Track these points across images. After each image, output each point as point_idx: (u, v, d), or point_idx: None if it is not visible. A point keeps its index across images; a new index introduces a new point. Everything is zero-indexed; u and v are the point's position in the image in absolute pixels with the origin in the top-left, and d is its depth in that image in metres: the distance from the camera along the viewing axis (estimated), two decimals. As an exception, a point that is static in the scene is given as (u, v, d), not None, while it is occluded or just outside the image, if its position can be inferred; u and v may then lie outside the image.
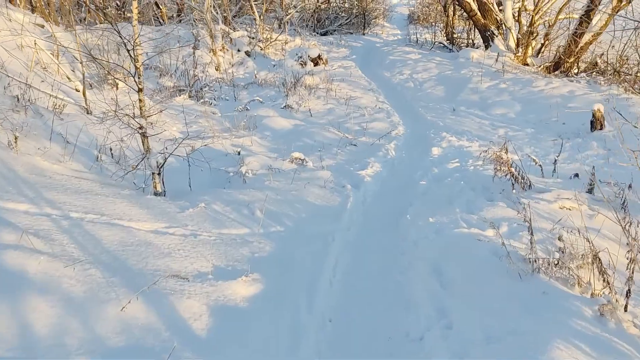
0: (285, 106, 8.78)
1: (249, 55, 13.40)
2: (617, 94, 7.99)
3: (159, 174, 4.33)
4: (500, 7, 11.41)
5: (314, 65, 12.16)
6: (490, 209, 4.20)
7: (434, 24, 15.57)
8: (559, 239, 3.54)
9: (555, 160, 5.37)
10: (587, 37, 10.22)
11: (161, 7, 18.02)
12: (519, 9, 11.24)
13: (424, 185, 5.21)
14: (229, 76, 11.64)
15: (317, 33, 17.23)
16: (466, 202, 4.44)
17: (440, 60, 11.32)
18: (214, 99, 9.67)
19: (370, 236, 4.10)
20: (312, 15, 17.34)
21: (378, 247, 3.88)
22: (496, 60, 10.34)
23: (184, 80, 10.19)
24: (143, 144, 4.33)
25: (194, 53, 10.94)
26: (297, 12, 17.78)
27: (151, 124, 7.16)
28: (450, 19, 13.27)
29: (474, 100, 8.85)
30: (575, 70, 9.72)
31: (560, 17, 11.15)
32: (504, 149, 4.68)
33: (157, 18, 17.55)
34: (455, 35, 13.45)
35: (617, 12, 10.29)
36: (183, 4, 18.16)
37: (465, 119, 7.98)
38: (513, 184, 4.63)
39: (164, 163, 4.34)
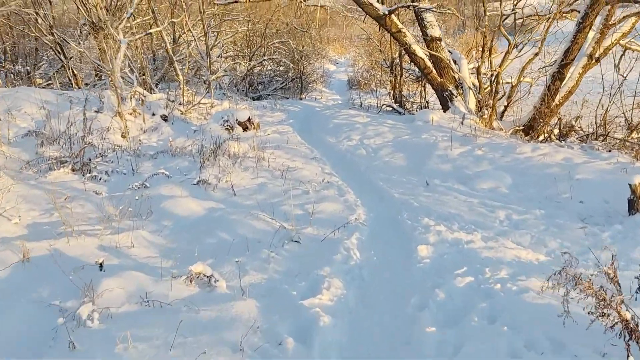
0: (199, 181, 6.18)
1: (165, 120, 10.84)
2: (628, 162, 6.08)
3: None
4: (457, 64, 9.72)
5: (244, 130, 9.77)
6: None
7: (377, 88, 13.83)
8: None
9: (641, 274, 3.04)
10: (558, 98, 8.61)
11: (75, 72, 15.43)
12: (477, 67, 9.58)
13: (433, 334, 2.68)
14: (136, 144, 9.00)
15: (250, 98, 15.05)
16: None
17: (393, 124, 9.28)
18: (107, 173, 6.92)
19: None
20: (243, 79, 15.20)
21: None
22: (461, 122, 8.41)
23: (75, 149, 7.48)
24: None
25: (84, 115, 8.21)
26: (226, 75, 15.64)
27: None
28: (398, 80, 11.50)
29: (447, 171, 6.67)
30: (556, 133, 7.91)
31: (521, 78, 9.59)
32: (611, 270, 2.27)
33: (72, 84, 14.91)
34: (403, 98, 11.63)
35: (587, 70, 8.85)
36: (100, 68, 15.56)
37: (445, 196, 5.70)
38: (627, 343, 2.20)
39: None
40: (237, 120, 9.80)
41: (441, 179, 6.34)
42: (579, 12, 10.28)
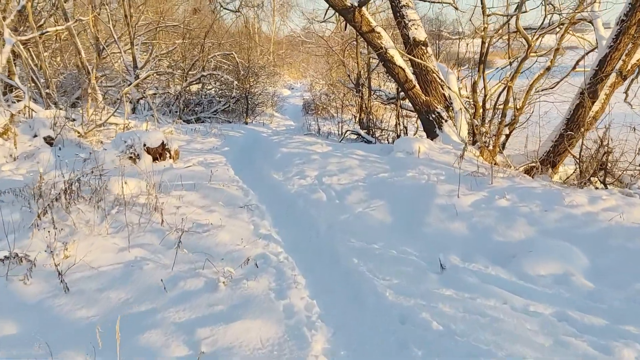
0: (3, 259, 3.03)
1: (51, 144, 7.60)
2: None
3: None
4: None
5: (155, 160, 6.69)
6: None
7: (338, 112, 11.09)
8: None
9: None
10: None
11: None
12: (473, 83, 6.98)
13: None
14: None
15: (184, 120, 11.95)
16: None
17: (364, 155, 6.45)
18: None
19: None
20: (177, 98, 12.09)
21: None
22: (461, 156, 5.66)
23: None
24: None
25: None
26: (157, 93, 12.50)
27: None
28: (366, 101, 8.78)
29: (464, 236, 3.84)
30: (599, 176, 5.28)
31: (527, 100, 7.04)
32: None
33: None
34: (372, 124, 8.88)
35: (615, 90, 6.43)
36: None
37: (483, 299, 2.83)
38: None
39: None
40: (144, 145, 6.69)
41: (461, 255, 3.47)
42: (590, 22, 8.01)
